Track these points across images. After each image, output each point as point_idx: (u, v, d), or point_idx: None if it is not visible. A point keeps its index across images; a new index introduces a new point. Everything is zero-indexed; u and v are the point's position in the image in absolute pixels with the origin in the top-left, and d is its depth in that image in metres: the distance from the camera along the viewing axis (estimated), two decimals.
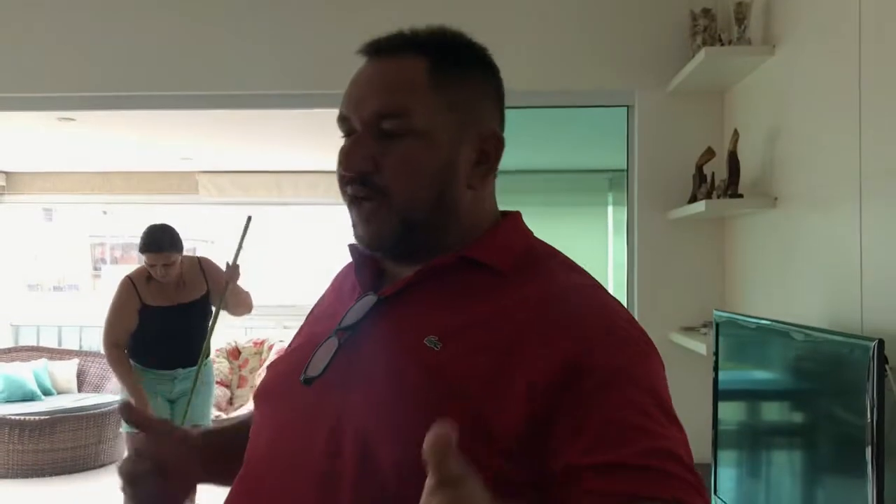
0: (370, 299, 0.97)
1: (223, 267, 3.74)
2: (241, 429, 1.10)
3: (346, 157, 0.94)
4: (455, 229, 0.97)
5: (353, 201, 0.96)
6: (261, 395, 1.03)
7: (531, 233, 1.04)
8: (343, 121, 0.97)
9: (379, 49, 0.98)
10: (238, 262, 3.72)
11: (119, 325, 3.71)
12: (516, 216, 1.05)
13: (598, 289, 0.96)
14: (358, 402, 0.88)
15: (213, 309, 3.78)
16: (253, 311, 3.96)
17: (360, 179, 0.94)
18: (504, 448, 0.83)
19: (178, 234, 3.72)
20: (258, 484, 0.94)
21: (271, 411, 0.99)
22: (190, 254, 3.98)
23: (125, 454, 3.69)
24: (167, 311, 3.73)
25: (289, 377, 0.97)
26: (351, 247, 1.04)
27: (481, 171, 0.98)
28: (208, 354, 3.86)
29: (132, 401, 3.59)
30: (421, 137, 0.93)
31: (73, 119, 4.81)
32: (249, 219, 3.64)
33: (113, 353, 3.70)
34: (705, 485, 0.84)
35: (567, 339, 0.86)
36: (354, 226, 0.97)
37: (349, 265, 1.09)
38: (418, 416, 0.83)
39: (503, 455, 0.83)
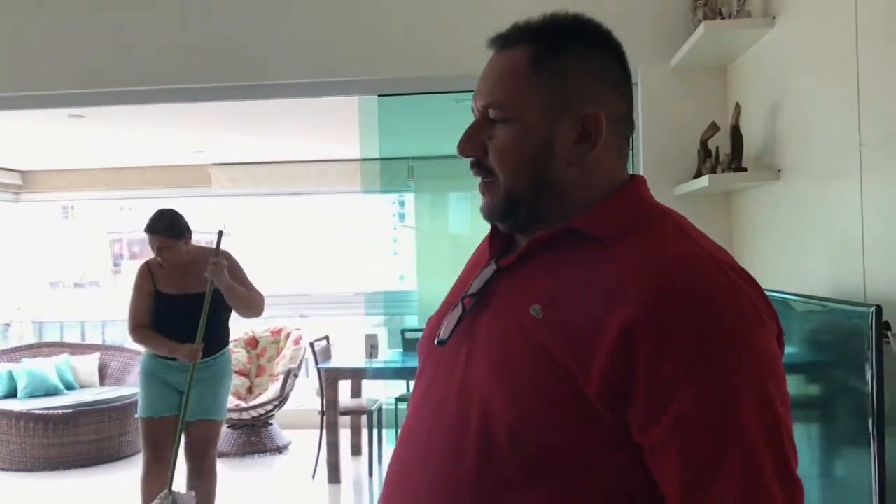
0: (490, 269, 1.08)
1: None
2: None
3: (460, 144, 1.07)
4: (559, 203, 1.04)
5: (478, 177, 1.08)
6: (419, 348, 1.17)
7: (648, 198, 1.07)
8: (473, 111, 1.09)
9: (495, 43, 1.07)
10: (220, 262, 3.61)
11: (139, 306, 3.73)
12: (635, 184, 1.07)
13: (705, 260, 0.96)
14: (477, 368, 1.00)
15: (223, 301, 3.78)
16: (269, 300, 3.93)
17: (475, 163, 1.06)
18: (594, 413, 0.90)
19: (178, 221, 3.69)
20: (414, 433, 1.07)
21: (423, 366, 1.13)
22: (203, 244, 3.98)
23: (141, 442, 3.73)
24: (176, 299, 3.72)
25: (430, 339, 1.11)
26: None
27: (582, 148, 1.02)
28: (226, 343, 3.89)
29: (185, 350, 3.61)
30: (516, 123, 1.02)
31: (82, 116, 4.86)
32: (221, 233, 3.71)
33: (138, 332, 3.73)
34: None
35: (631, 306, 0.90)
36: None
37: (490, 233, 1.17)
38: (523, 385, 0.93)
39: (593, 419, 0.90)
